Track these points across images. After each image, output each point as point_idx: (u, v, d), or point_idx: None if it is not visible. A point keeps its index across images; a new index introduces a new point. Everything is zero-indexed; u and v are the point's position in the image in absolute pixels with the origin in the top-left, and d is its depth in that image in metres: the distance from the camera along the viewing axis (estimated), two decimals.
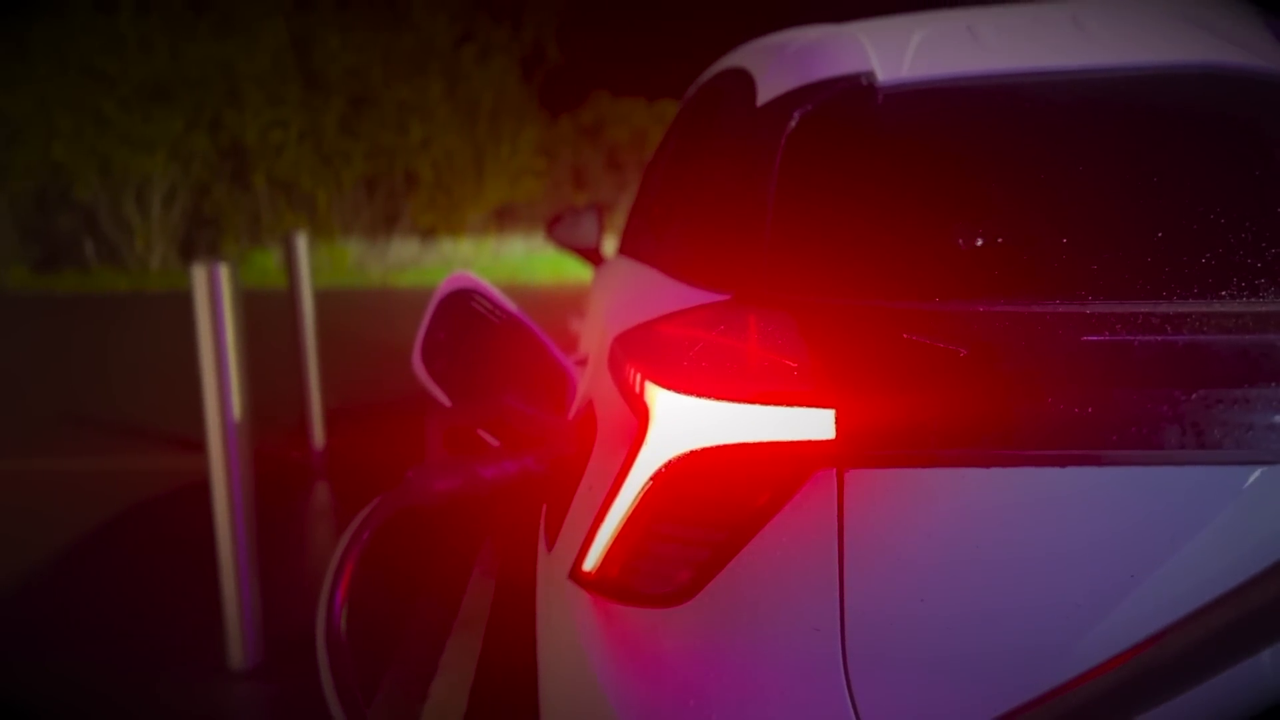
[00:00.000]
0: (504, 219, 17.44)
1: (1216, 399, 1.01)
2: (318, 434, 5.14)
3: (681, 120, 2.53)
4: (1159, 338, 1.08)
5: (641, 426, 1.20)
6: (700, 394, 1.14)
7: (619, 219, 16.86)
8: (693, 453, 1.13)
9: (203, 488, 4.72)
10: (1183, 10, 1.43)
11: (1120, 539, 1.03)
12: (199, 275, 2.80)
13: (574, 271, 16.39)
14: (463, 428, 1.42)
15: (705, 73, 2.55)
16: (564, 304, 12.46)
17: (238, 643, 2.96)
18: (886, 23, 1.60)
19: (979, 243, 1.23)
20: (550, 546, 1.44)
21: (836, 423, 1.07)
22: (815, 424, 1.08)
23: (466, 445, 1.45)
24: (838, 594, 1.06)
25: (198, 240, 16.66)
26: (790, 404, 1.09)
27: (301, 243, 5.05)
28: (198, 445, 5.54)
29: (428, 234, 17.24)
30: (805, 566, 1.07)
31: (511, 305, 1.51)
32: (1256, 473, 1.01)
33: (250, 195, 16.63)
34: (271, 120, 16.35)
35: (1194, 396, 1.01)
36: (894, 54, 1.41)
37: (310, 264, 5.09)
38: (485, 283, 1.53)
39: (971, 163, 1.32)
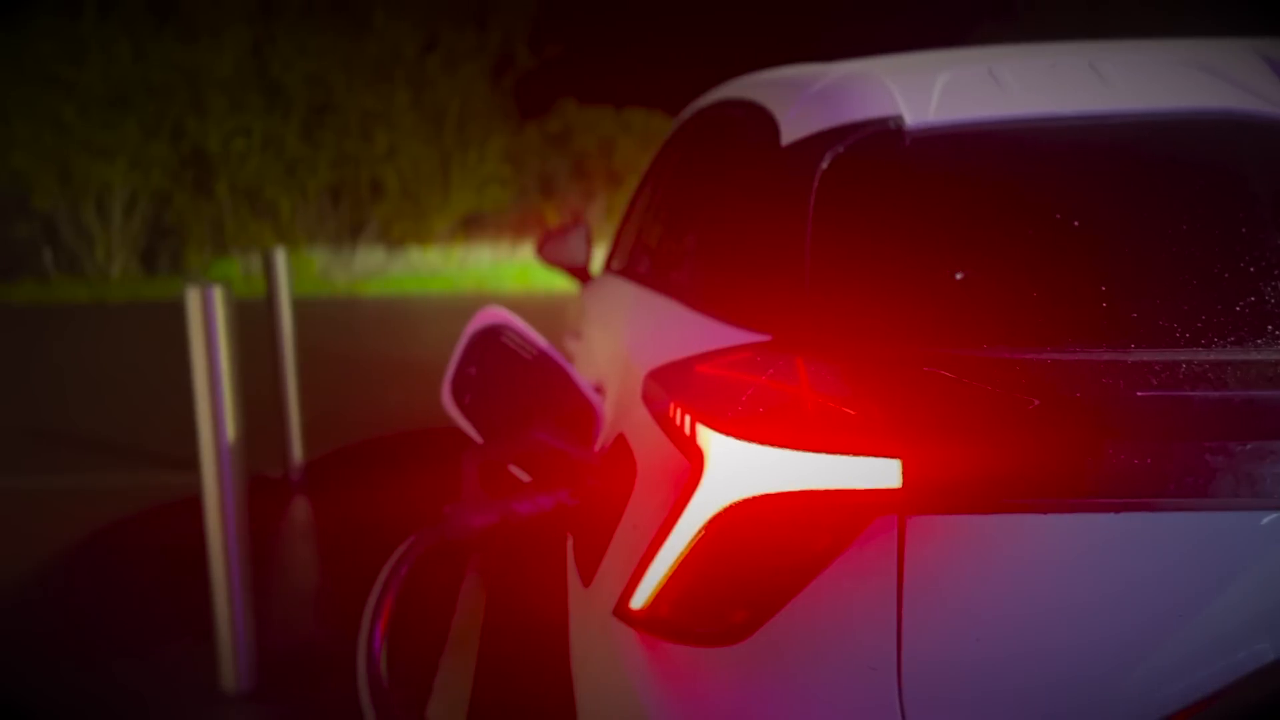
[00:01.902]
0: (471, 228, 17.40)
1: (1270, 450, 1.06)
2: (296, 450, 5.11)
3: (682, 147, 2.54)
4: (1214, 392, 1.12)
5: (694, 469, 1.21)
6: (760, 440, 1.15)
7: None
8: (752, 499, 1.15)
9: (182, 505, 4.70)
10: (1192, 58, 1.48)
11: (1174, 582, 1.07)
12: (193, 298, 2.79)
13: (542, 281, 16.38)
14: (495, 463, 1.44)
15: (702, 100, 2.56)
16: (534, 314, 12.43)
17: (230, 665, 2.94)
18: (906, 63, 1.62)
19: (1023, 290, 1.26)
20: (587, 582, 1.45)
21: (903, 472, 1.09)
22: (880, 473, 1.10)
23: (499, 480, 1.46)
24: (895, 634, 1.08)
25: (160, 250, 16.46)
26: (856, 453, 1.11)
27: (281, 258, 5.02)
28: (172, 461, 5.53)
29: (394, 243, 17.15)
30: (863, 608, 1.09)
31: (541, 340, 1.53)
32: None
33: (213, 204, 16.46)
34: (235, 128, 16.20)
35: (1248, 447, 1.06)
36: (920, 97, 1.44)
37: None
38: (516, 318, 1.55)
39: (1008, 208, 1.34)
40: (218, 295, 2.81)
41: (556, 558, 2.40)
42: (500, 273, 16.82)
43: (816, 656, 1.12)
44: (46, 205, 15.82)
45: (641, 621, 1.25)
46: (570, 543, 1.66)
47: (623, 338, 1.97)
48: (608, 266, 3.48)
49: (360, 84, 16.58)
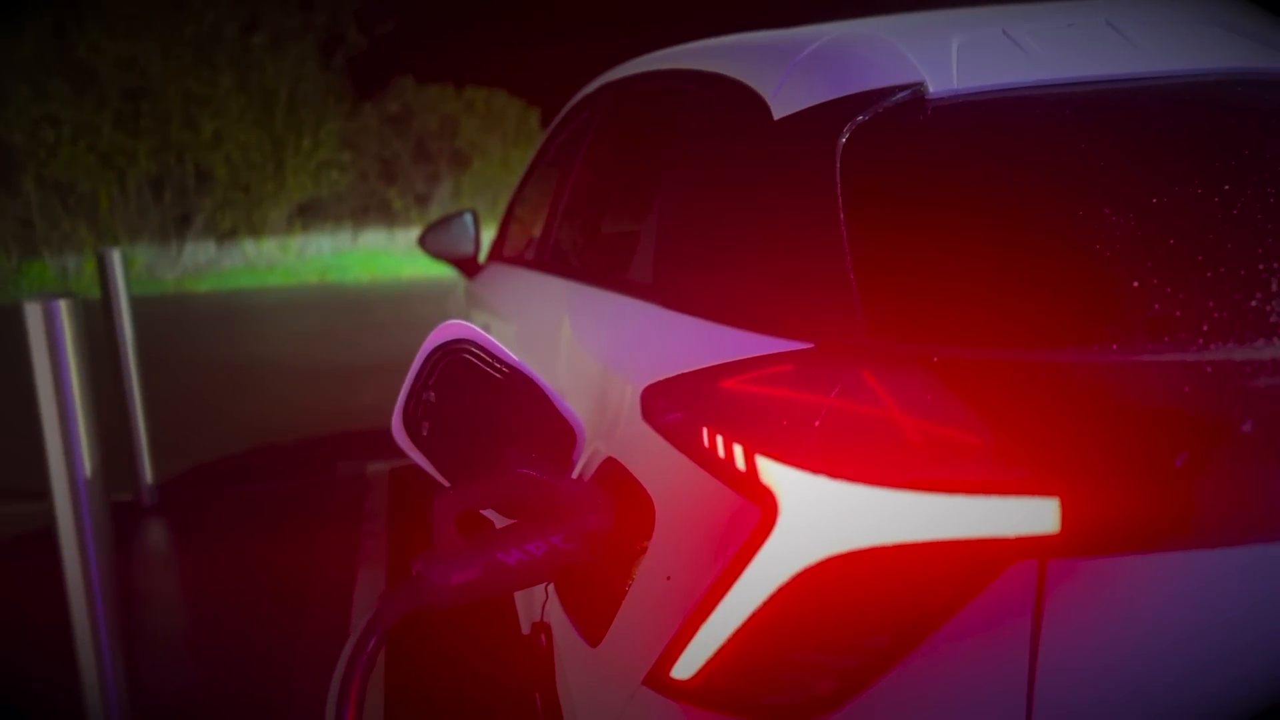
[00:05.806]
0: (308, 216, 16.57)
1: None
2: (147, 469, 4.67)
3: (602, 126, 2.30)
4: None
5: (763, 512, 1.00)
6: (861, 479, 0.95)
7: (433, 214, 16.35)
8: (852, 553, 0.95)
9: (24, 540, 4.20)
10: (1206, 14, 1.39)
11: None
12: (33, 313, 2.44)
13: (390, 268, 15.81)
14: (471, 507, 1.22)
15: (616, 73, 2.36)
16: (385, 305, 11.95)
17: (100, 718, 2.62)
18: (907, 25, 1.46)
19: (1113, 278, 1.09)
20: (594, 641, 1.23)
21: (1062, 514, 0.90)
22: (1033, 515, 0.91)
23: (475, 525, 1.25)
24: (1026, 697, 0.92)
25: None
26: (999, 492, 0.91)
27: (116, 259, 4.56)
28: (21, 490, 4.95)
29: (225, 235, 16.19)
30: (988, 668, 0.93)
31: (511, 356, 1.31)
32: None
33: (19, 200, 15.12)
34: (41, 116, 14.92)
35: None
36: (938, 62, 1.28)
37: (94, 274, 4.64)
38: (481, 332, 1.32)
39: (1068, 183, 1.17)
40: (64, 308, 2.46)
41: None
42: (344, 262, 16.14)
43: None
44: None
45: (689, 694, 1.03)
46: (552, 590, 1.44)
47: (577, 341, 1.75)
48: (499, 256, 3.25)
49: (179, 67, 15.51)
